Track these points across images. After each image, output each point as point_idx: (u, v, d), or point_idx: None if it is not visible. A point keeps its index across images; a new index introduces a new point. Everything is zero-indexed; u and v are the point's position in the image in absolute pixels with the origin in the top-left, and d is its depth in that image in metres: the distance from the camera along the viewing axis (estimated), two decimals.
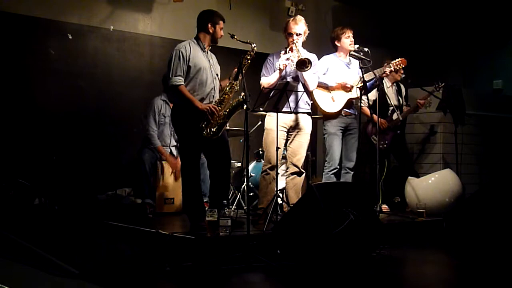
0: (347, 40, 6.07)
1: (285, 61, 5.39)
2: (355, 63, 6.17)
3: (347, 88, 6.02)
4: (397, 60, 6.14)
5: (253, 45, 5.03)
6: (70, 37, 6.66)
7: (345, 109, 6.09)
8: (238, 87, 5.05)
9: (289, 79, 5.47)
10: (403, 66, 6.19)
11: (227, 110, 4.97)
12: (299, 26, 5.49)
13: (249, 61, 5.03)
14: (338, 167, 6.08)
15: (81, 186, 6.42)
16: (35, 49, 6.46)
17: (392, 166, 6.93)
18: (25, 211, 5.55)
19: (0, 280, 1.39)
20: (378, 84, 6.18)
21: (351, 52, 6.01)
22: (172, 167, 6.31)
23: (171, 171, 6.31)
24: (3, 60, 6.24)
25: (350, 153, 6.11)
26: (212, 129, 4.91)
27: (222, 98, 5.02)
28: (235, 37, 5.07)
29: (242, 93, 4.90)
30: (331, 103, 6.06)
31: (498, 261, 4.81)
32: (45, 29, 6.52)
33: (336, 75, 6.07)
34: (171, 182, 6.28)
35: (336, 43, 6.15)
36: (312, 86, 5.59)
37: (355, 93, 6.06)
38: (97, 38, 6.90)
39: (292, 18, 5.60)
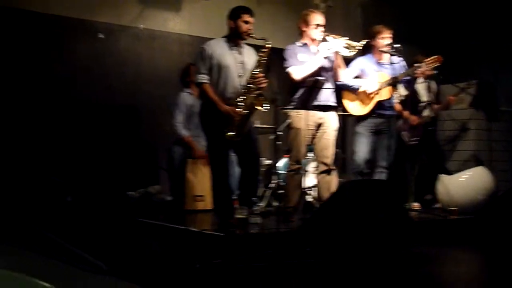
0: (382, 41, 5.96)
1: (328, 51, 5.32)
2: (395, 60, 6.01)
3: (372, 94, 5.94)
4: (431, 57, 5.98)
5: (267, 41, 4.93)
6: (102, 36, 6.73)
7: (377, 111, 6.01)
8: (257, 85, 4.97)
9: (326, 64, 5.42)
10: (439, 64, 5.99)
11: (245, 111, 4.93)
12: (323, 18, 5.45)
13: (265, 58, 4.95)
14: (362, 168, 6.01)
15: (113, 183, 6.48)
16: (66, 49, 6.55)
17: (423, 163, 6.84)
18: (57, 208, 5.63)
19: (33, 275, 1.41)
20: (410, 81, 6.09)
21: (383, 50, 5.92)
22: (200, 157, 6.21)
23: (199, 168, 6.28)
24: (35, 61, 6.34)
25: (383, 153, 6.01)
26: (233, 132, 4.91)
27: (241, 98, 4.96)
28: (252, 34, 5.01)
29: (257, 92, 4.88)
30: (359, 106, 6.01)
31: None
32: (75, 28, 6.60)
33: (367, 79, 6.00)
34: (201, 179, 6.28)
35: (370, 41, 6.03)
36: (342, 77, 5.55)
37: (384, 95, 5.98)
38: (127, 37, 6.96)
39: (315, 10, 5.55)
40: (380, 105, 5.99)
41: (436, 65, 5.96)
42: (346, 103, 6.00)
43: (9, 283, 1.33)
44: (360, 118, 6.06)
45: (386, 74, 5.96)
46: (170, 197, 6.37)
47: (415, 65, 5.90)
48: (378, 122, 6.03)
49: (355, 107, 6.01)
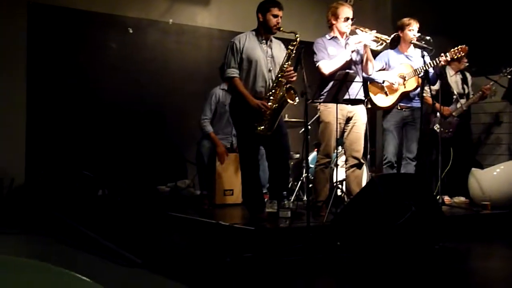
0: (410, 33, 5.91)
1: (357, 44, 5.30)
2: (417, 53, 6.00)
3: (395, 86, 5.89)
4: (456, 48, 5.89)
5: (296, 35, 4.90)
6: (131, 31, 6.78)
7: (400, 103, 5.98)
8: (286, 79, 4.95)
9: (356, 57, 5.39)
10: (463, 54, 5.90)
11: (276, 105, 4.91)
12: (352, 11, 5.41)
13: (294, 51, 4.91)
14: (392, 161, 5.99)
15: (143, 178, 6.53)
16: (96, 44, 6.61)
17: (455, 157, 6.74)
18: (90, 202, 5.70)
19: (69, 268, 1.43)
20: (440, 74, 6.01)
21: (413, 42, 5.88)
22: (219, 157, 6.21)
23: (229, 162, 6.28)
24: (65, 56, 6.42)
25: (410, 144, 6.00)
26: (263, 126, 4.89)
27: (271, 92, 4.95)
28: (281, 28, 4.98)
29: (287, 85, 4.86)
30: (384, 97, 5.98)
31: None
32: (106, 24, 6.65)
33: (391, 72, 5.97)
34: (230, 173, 6.29)
35: (399, 33, 5.99)
36: (371, 71, 5.52)
37: (410, 86, 5.92)
38: (156, 32, 6.99)
39: (344, 3, 5.51)
40: (405, 96, 5.98)
41: (460, 55, 5.87)
42: (372, 95, 5.97)
43: (47, 276, 1.34)
44: (386, 112, 6.06)
45: (410, 66, 5.93)
46: (199, 191, 6.39)
47: (441, 55, 5.82)
48: (404, 114, 6.01)
49: (380, 100, 5.99)
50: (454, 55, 5.85)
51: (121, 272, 2.15)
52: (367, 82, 5.86)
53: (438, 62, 5.76)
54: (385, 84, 5.94)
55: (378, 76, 5.91)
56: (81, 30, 6.52)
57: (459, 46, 5.87)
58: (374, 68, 5.60)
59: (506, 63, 6.63)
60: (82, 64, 6.49)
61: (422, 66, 5.69)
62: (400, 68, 5.98)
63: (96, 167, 6.16)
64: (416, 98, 6.00)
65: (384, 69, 6.00)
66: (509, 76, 6.52)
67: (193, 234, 5.09)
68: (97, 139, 6.47)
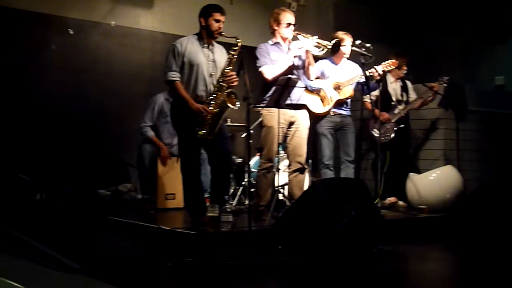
0: (344, 48, 6.07)
1: (299, 50, 5.36)
2: (352, 65, 6.17)
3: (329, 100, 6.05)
4: (387, 62, 6.13)
5: (237, 40, 4.93)
6: (72, 33, 6.66)
7: (333, 109, 6.12)
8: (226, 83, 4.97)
9: (298, 62, 5.45)
10: (394, 67, 6.21)
11: (217, 110, 4.93)
12: (294, 17, 5.49)
13: (235, 56, 4.94)
14: (328, 163, 6.11)
15: (82, 182, 6.41)
16: (36, 45, 6.46)
17: (393, 161, 6.91)
18: (27, 207, 5.55)
19: (2, 275, 1.39)
20: (379, 81, 6.16)
21: (353, 48, 6.00)
22: (162, 160, 6.22)
23: (170, 166, 6.26)
24: (4, 56, 6.23)
25: (347, 148, 6.17)
26: (204, 130, 4.89)
27: (213, 96, 4.96)
28: (222, 33, 5.00)
29: (228, 90, 4.89)
30: (320, 104, 6.11)
31: (500, 256, 4.81)
32: (46, 24, 6.51)
33: (327, 81, 6.12)
34: (172, 177, 6.25)
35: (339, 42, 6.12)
36: (313, 76, 5.60)
37: (345, 94, 6.11)
38: (98, 34, 6.89)
39: (286, 9, 5.58)
40: (339, 104, 6.14)
41: (391, 68, 6.16)
42: (308, 101, 6.05)
43: None
44: (320, 117, 6.18)
45: (345, 76, 6.08)
46: (140, 195, 6.33)
47: (370, 70, 6.00)
48: (337, 120, 6.16)
49: (316, 106, 6.09)
50: (385, 68, 6.09)
51: (57, 278, 2.11)
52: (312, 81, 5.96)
53: (371, 74, 5.94)
54: (321, 93, 6.06)
55: (315, 84, 6.03)
56: (19, 30, 6.35)
57: (390, 60, 6.13)
58: (315, 73, 5.68)
59: (442, 70, 6.83)
60: (20, 64, 6.33)
61: (359, 75, 5.84)
62: (335, 78, 6.14)
63: (34, 170, 6.00)
64: (347, 106, 6.18)
65: (318, 78, 6.13)
66: (445, 85, 6.72)
67: (134, 239, 5.03)
68: (35, 141, 6.30)
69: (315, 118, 6.19)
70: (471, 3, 8.82)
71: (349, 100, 6.20)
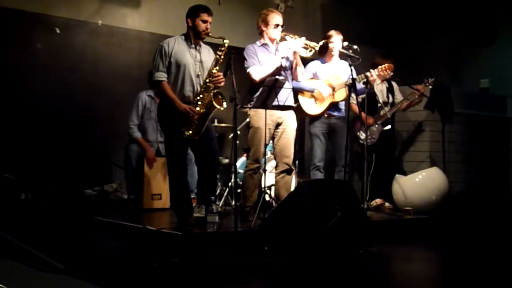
0: (331, 44, 6.07)
1: (287, 51, 5.37)
2: (343, 64, 6.20)
3: (325, 95, 6.05)
4: (383, 66, 6.13)
5: (224, 40, 4.94)
6: (58, 31, 6.62)
7: (327, 111, 6.13)
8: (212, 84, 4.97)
9: (285, 63, 5.46)
10: (390, 72, 6.17)
11: (203, 110, 4.93)
12: (282, 18, 5.51)
13: (222, 57, 4.94)
14: (319, 164, 6.13)
15: (68, 181, 6.38)
16: (22, 43, 6.42)
17: (379, 163, 6.94)
18: (11, 206, 5.51)
19: None
20: (367, 83, 6.19)
21: (340, 50, 6.02)
22: (148, 162, 6.18)
23: (156, 166, 6.24)
24: None
25: (340, 152, 6.11)
26: (191, 131, 4.89)
27: (199, 97, 4.96)
28: (209, 34, 5.00)
29: (215, 90, 4.89)
30: (313, 105, 6.12)
31: (484, 257, 4.85)
32: (32, 22, 6.47)
33: (319, 82, 6.13)
34: (158, 177, 6.24)
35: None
36: (300, 77, 5.61)
37: (339, 97, 6.11)
38: (85, 33, 6.85)
39: (274, 10, 5.60)
40: (333, 106, 6.15)
41: (387, 73, 6.14)
42: (302, 102, 6.08)
43: None
44: (314, 118, 6.20)
45: (339, 77, 6.10)
46: (126, 195, 6.31)
47: (366, 73, 6.02)
48: (331, 122, 6.18)
49: (310, 107, 6.11)
50: (381, 72, 6.08)
51: (42, 278, 2.10)
52: (297, 90, 5.97)
53: (366, 78, 5.95)
54: (315, 93, 6.07)
55: (308, 85, 6.04)
56: (5, 28, 6.30)
57: (386, 64, 6.13)
58: (303, 75, 5.69)
59: (427, 73, 6.86)
60: (5, 62, 6.27)
61: (351, 77, 5.84)
62: (329, 79, 6.15)
63: (19, 169, 5.96)
64: (340, 109, 6.19)
65: (312, 79, 6.15)
66: (430, 86, 6.76)
67: (120, 239, 5.01)
68: (20, 140, 6.25)
69: (309, 118, 6.22)
70: (457, 6, 8.88)
71: (342, 102, 6.21)
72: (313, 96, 6.11)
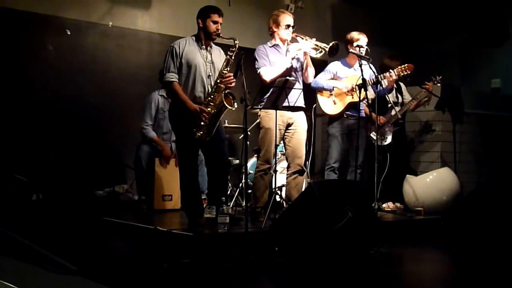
0: (362, 49, 6.00)
1: (297, 52, 5.37)
2: (365, 66, 6.11)
3: (347, 93, 6.02)
4: (402, 66, 6.08)
5: (235, 41, 4.93)
6: (69, 33, 6.65)
7: (347, 112, 6.11)
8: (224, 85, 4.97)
9: (296, 64, 5.46)
10: (410, 71, 6.09)
11: (214, 111, 4.94)
12: (293, 19, 5.50)
13: (233, 58, 4.93)
14: (334, 165, 6.11)
15: (79, 183, 6.40)
16: (34, 45, 6.45)
17: (390, 164, 6.91)
18: (23, 207, 5.54)
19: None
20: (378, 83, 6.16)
21: (351, 51, 5.99)
22: (166, 159, 6.26)
23: (167, 167, 6.28)
24: (1, 56, 6.22)
25: (354, 153, 6.08)
26: (202, 131, 4.90)
27: (210, 98, 4.96)
28: (220, 34, 5.00)
29: (226, 91, 4.89)
30: (332, 105, 6.10)
31: (496, 258, 4.82)
32: (43, 24, 6.50)
33: (339, 81, 6.11)
34: (169, 178, 6.26)
35: (348, 47, 6.10)
36: (311, 78, 5.60)
37: (356, 98, 6.04)
38: (95, 34, 6.88)
39: (285, 11, 5.60)
40: (351, 106, 6.09)
41: (407, 73, 6.07)
42: (321, 102, 6.08)
43: None
44: (332, 119, 6.17)
45: (357, 77, 6.04)
46: (137, 196, 6.32)
47: (386, 74, 5.99)
48: (349, 123, 6.13)
49: (328, 107, 6.09)
50: (401, 73, 6.03)
51: (54, 279, 2.10)
52: (315, 90, 5.97)
53: (385, 78, 5.92)
54: (334, 92, 6.04)
55: (328, 84, 6.03)
56: (17, 31, 6.34)
57: (406, 64, 6.06)
58: (313, 75, 5.68)
59: (438, 73, 6.84)
60: (18, 64, 6.31)
61: (372, 78, 5.80)
62: (349, 79, 6.12)
63: (31, 170, 5.99)
64: (359, 108, 6.13)
65: (332, 80, 6.14)
66: (439, 84, 6.73)
67: (131, 240, 5.03)
68: (32, 141, 6.29)
69: (328, 119, 6.22)
70: (468, 6, 8.84)
71: (361, 103, 6.16)
72: (331, 98, 6.09)
